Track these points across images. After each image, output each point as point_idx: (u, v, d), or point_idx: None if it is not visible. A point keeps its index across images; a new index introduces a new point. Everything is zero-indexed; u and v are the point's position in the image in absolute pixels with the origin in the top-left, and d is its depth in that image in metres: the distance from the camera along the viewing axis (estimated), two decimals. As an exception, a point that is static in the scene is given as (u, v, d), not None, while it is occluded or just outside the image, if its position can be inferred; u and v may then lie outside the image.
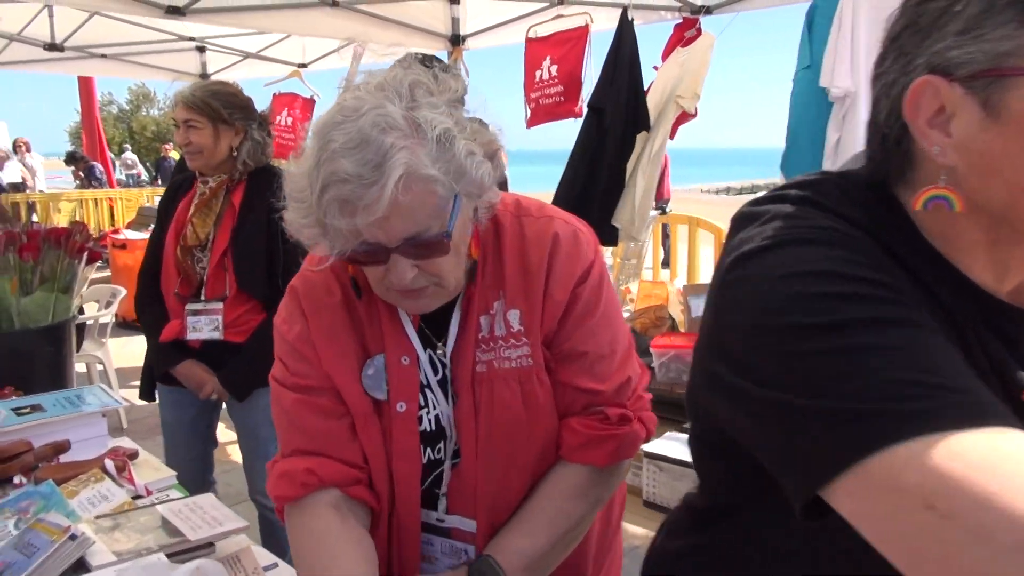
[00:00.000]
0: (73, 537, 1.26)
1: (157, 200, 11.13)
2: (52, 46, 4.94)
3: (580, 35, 3.92)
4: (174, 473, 1.83)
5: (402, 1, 4.13)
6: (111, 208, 10.97)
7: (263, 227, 2.34)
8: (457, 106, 1.01)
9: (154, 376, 2.56)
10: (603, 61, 3.72)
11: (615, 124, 3.65)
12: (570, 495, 1.13)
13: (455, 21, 4.25)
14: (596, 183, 3.74)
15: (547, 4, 4.07)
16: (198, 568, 1.02)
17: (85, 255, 2.34)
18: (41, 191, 12.76)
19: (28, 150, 13.43)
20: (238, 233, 2.38)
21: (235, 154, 2.41)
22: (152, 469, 1.84)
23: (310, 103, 5.69)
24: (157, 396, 2.61)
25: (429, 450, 1.13)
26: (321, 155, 0.92)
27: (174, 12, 3.55)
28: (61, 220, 9.49)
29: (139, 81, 31.18)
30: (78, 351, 4.39)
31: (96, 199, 11.04)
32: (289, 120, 5.65)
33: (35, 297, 2.24)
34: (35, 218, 9.78)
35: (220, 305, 2.38)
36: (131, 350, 6.08)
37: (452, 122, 0.96)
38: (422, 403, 1.12)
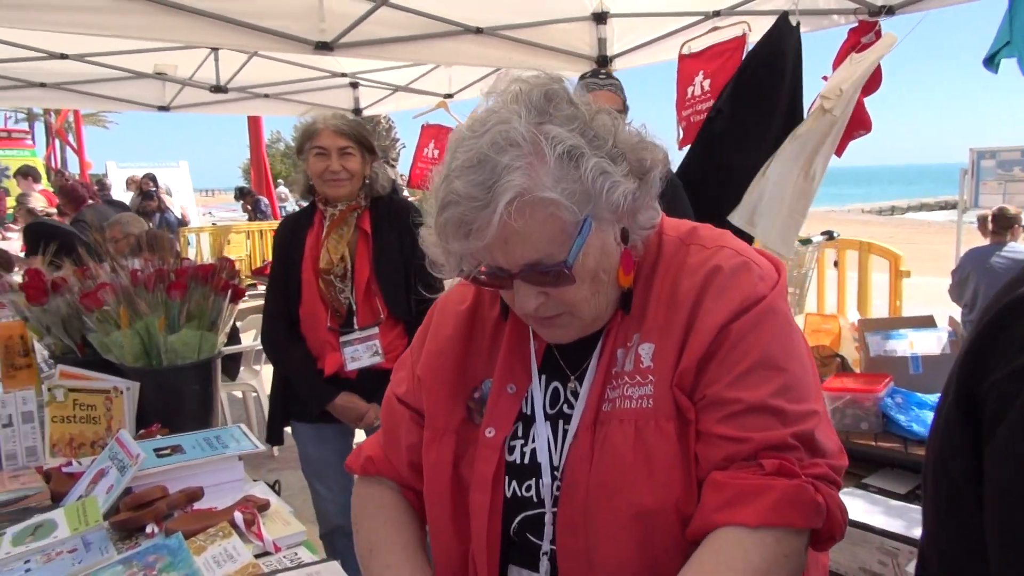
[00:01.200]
0: (186, 612, 1.14)
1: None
2: (217, 88, 5.24)
3: (736, 46, 3.67)
4: (303, 529, 1.72)
5: (545, 25, 4.01)
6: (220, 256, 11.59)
7: (397, 251, 2.41)
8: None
9: (290, 416, 2.53)
10: (748, 66, 3.39)
11: (756, 134, 3.31)
12: (715, 571, 0.86)
13: (602, 42, 4.08)
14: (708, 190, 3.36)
15: (701, 17, 3.82)
16: None
17: (230, 292, 2.34)
18: (214, 223, 13.79)
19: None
20: (378, 258, 2.40)
21: (367, 181, 2.46)
22: (282, 523, 1.74)
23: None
24: (293, 436, 2.58)
25: (515, 483, 1.03)
26: (445, 172, 0.90)
27: (323, 47, 3.62)
28: (232, 251, 10.14)
29: (304, 119, 33.49)
30: (234, 379, 4.55)
31: (261, 230, 11.77)
32: (436, 152, 5.72)
33: (182, 334, 2.25)
34: (191, 252, 10.48)
35: (376, 330, 2.39)
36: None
37: (584, 139, 0.89)
38: (518, 434, 1.04)
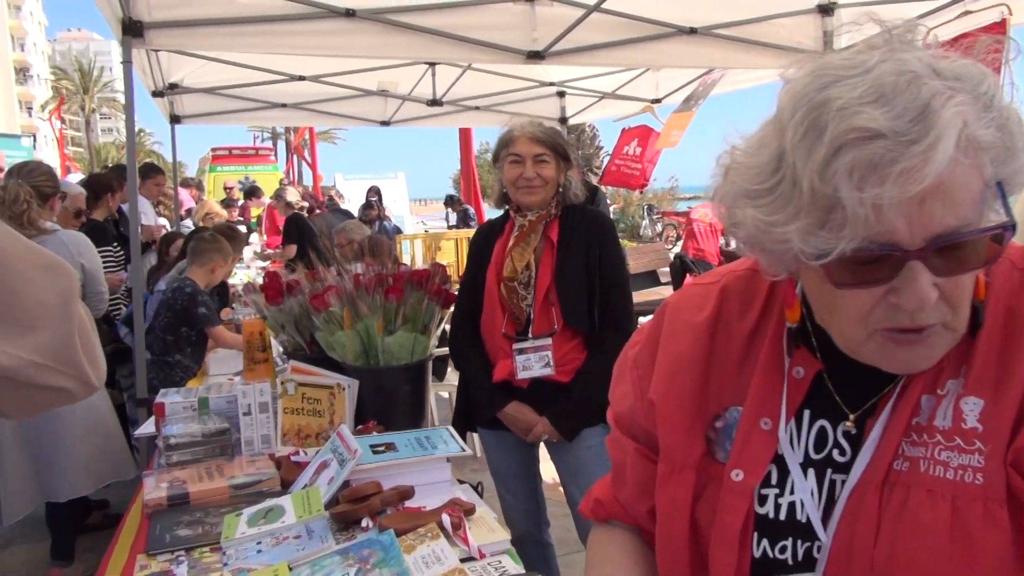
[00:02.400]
0: (397, 615, 1.15)
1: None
2: (433, 102, 5.51)
3: (995, 34, 3.16)
4: (508, 537, 1.70)
5: (764, 21, 3.77)
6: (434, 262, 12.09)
7: (583, 262, 2.34)
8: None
9: (473, 420, 2.56)
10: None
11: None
12: None
13: (828, 35, 3.76)
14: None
15: (948, 0, 3.38)
16: None
17: (442, 297, 2.41)
18: (426, 231, 14.62)
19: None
20: (560, 268, 2.35)
21: (560, 190, 2.42)
22: (487, 529, 1.74)
23: (659, 135, 5.62)
24: (477, 440, 2.61)
25: (766, 542, 0.83)
26: (819, 115, 0.67)
27: (535, 57, 3.66)
28: (442, 257, 10.67)
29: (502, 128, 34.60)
30: (442, 380, 4.73)
31: (469, 238, 12.29)
32: (638, 151, 5.62)
33: (397, 337, 2.34)
34: (406, 258, 11.13)
35: (549, 341, 2.34)
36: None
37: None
38: (772, 480, 0.84)
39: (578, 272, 2.33)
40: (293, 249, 6.70)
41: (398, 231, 11.95)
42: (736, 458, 0.85)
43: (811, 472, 0.82)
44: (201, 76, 5.17)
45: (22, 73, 60.46)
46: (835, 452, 0.82)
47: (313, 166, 19.60)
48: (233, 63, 4.75)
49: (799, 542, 0.82)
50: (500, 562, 1.61)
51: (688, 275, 6.94)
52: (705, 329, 0.91)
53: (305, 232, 6.58)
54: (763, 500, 0.84)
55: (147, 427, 2.57)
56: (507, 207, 2.50)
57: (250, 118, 6.36)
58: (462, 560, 1.56)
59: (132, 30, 2.98)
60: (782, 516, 0.83)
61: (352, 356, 2.37)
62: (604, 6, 3.38)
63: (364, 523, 1.73)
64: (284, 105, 5.96)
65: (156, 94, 5.14)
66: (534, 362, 2.33)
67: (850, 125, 0.64)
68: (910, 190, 0.63)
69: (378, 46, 3.39)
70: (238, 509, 1.83)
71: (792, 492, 0.83)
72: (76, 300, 0.94)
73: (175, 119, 5.84)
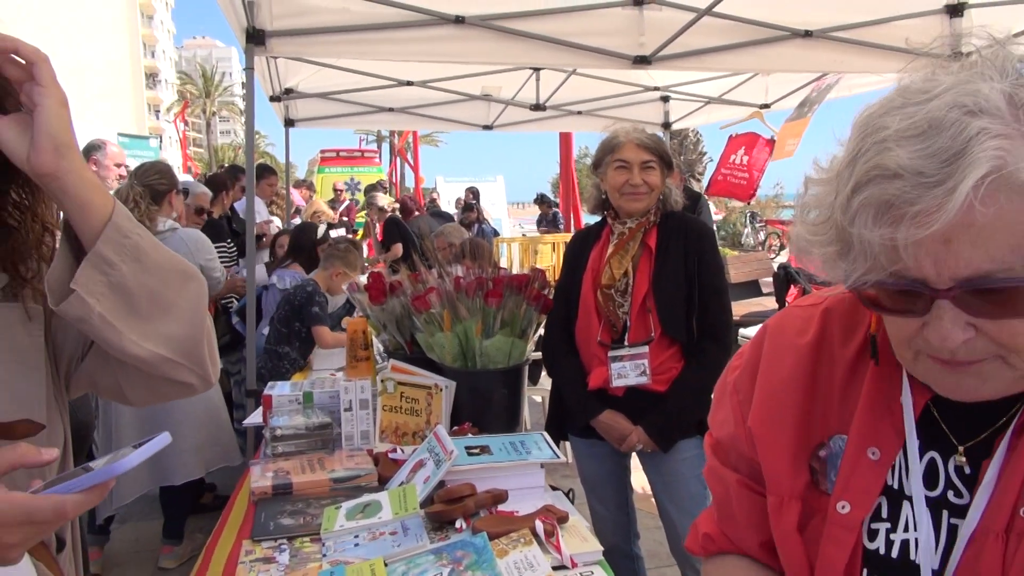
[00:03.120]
0: (489, 620, 1.15)
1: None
2: (536, 106, 5.53)
3: None
4: (600, 548, 1.68)
5: (886, 23, 3.59)
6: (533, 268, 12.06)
7: (681, 270, 2.30)
8: None
9: (566, 428, 2.53)
10: None
11: None
12: None
13: (955, 38, 3.53)
14: None
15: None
16: None
17: (541, 303, 2.41)
18: (523, 235, 14.69)
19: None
20: (659, 275, 2.31)
21: (661, 197, 2.40)
22: (580, 539, 1.72)
23: (770, 143, 5.41)
24: (571, 449, 2.58)
25: None
26: (862, 146, 0.67)
27: (641, 62, 3.60)
28: (539, 261, 10.70)
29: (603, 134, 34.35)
30: (535, 384, 4.74)
31: (566, 242, 12.25)
32: (745, 159, 5.44)
33: (495, 340, 2.36)
34: (504, 262, 11.21)
35: (645, 349, 2.30)
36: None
37: None
38: (882, 514, 0.79)
39: (676, 280, 2.30)
40: (399, 248, 6.88)
41: (496, 234, 12.07)
42: (842, 489, 0.81)
43: (925, 511, 0.77)
44: (314, 82, 5.37)
45: (151, 78, 64.70)
46: (950, 493, 0.77)
47: (415, 168, 20.05)
48: (345, 69, 4.92)
49: None
50: (592, 573, 1.59)
51: (792, 286, 6.67)
52: (807, 353, 0.87)
53: (405, 233, 6.74)
54: (873, 535, 0.79)
55: (255, 417, 2.69)
56: (604, 213, 2.48)
57: (358, 122, 6.56)
58: (554, 568, 1.55)
59: (255, 38, 3.14)
60: (894, 554, 0.78)
61: (450, 358, 2.41)
62: (716, 9, 3.30)
63: (458, 524, 1.75)
64: (391, 109, 6.11)
65: (273, 99, 5.38)
66: (629, 370, 2.30)
67: (875, 163, 0.65)
68: (920, 233, 0.62)
69: (486, 52, 3.43)
70: (337, 502, 1.89)
71: (906, 530, 0.78)
72: (205, 304, 1.02)
73: (289, 122, 6.10)
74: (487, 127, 6.48)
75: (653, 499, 2.52)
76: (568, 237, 12.24)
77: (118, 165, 4.71)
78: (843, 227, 0.68)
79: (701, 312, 2.30)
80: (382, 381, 2.40)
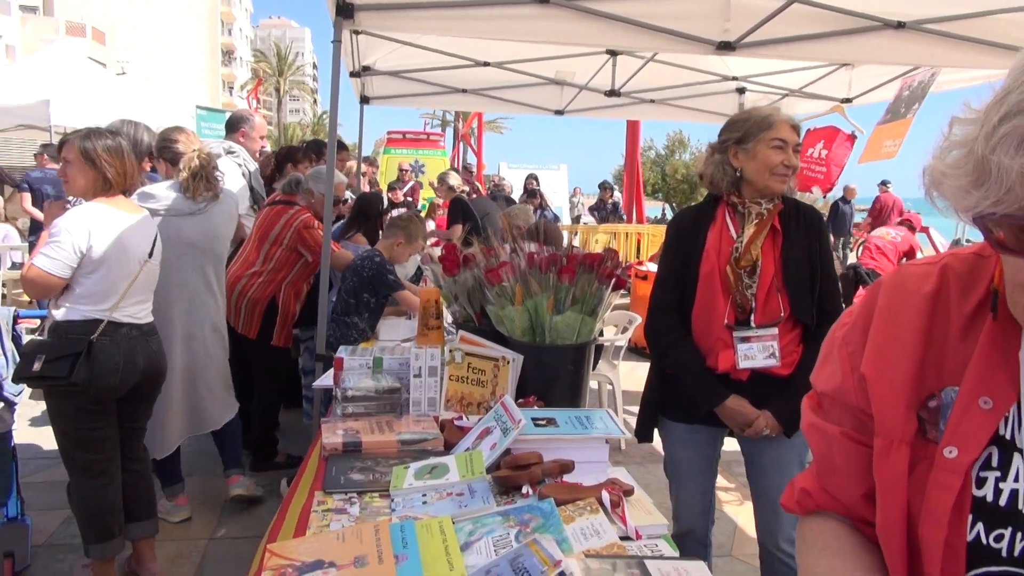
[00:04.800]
0: (562, 575, 1.18)
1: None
2: (612, 92, 5.49)
3: None
4: (666, 522, 1.69)
5: (983, 16, 3.45)
6: (638, 242, 12.01)
7: (805, 253, 2.31)
8: None
9: (664, 414, 2.51)
10: None
11: None
12: None
13: (1057, 34, 3.40)
14: None
15: None
16: None
17: (612, 281, 2.41)
18: (585, 223, 14.64)
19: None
20: (786, 256, 2.30)
21: None
22: (644, 511, 1.73)
23: (851, 139, 5.25)
24: (661, 434, 2.55)
25: (981, 526, 0.78)
26: (1015, 83, 0.67)
27: (725, 47, 3.54)
28: (596, 249, 10.67)
29: (676, 128, 33.93)
30: (594, 369, 4.74)
31: (627, 232, 12.19)
32: (824, 153, 5.29)
33: (565, 316, 2.37)
34: (576, 242, 11.19)
35: (775, 330, 2.28)
36: (638, 375, 6.39)
37: None
38: (992, 463, 0.79)
39: (801, 263, 2.30)
40: (458, 229, 6.95)
41: (556, 220, 12.05)
42: (951, 435, 0.81)
43: None
44: (392, 60, 5.44)
45: (227, 55, 66.43)
46: None
47: (478, 154, 20.14)
48: (423, 47, 4.96)
49: (1019, 534, 0.77)
50: (656, 545, 1.60)
51: (861, 287, 6.51)
52: (925, 302, 0.88)
53: (469, 214, 6.79)
54: (981, 482, 0.80)
55: (325, 379, 2.77)
56: (718, 194, 2.42)
57: (432, 101, 6.63)
58: (619, 538, 1.57)
59: (344, 11, 3.20)
60: (1002, 502, 0.78)
61: (519, 331, 2.43)
62: (806, -4, 3.23)
63: (524, 490, 1.77)
64: (464, 91, 6.15)
65: (353, 74, 5.47)
66: (757, 352, 2.27)
67: None
68: None
69: (568, 32, 3.42)
70: (405, 462, 1.94)
71: (1016, 479, 0.78)
72: None
73: (364, 99, 6.19)
74: (559, 112, 6.46)
75: (731, 487, 2.51)
76: (635, 228, 12.12)
77: (262, 137, 4.97)
78: (983, 156, 0.67)
79: (820, 296, 2.30)
80: (450, 351, 2.43)
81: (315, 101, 78.84)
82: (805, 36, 3.46)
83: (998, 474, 0.79)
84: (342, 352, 2.56)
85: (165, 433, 3.52)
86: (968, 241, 7.59)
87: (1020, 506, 0.77)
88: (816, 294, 2.30)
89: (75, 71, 9.05)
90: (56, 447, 2.87)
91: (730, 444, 2.51)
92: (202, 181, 3.45)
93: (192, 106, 11.11)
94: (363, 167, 8.23)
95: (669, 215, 28.02)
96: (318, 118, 66.72)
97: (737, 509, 3.94)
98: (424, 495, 1.77)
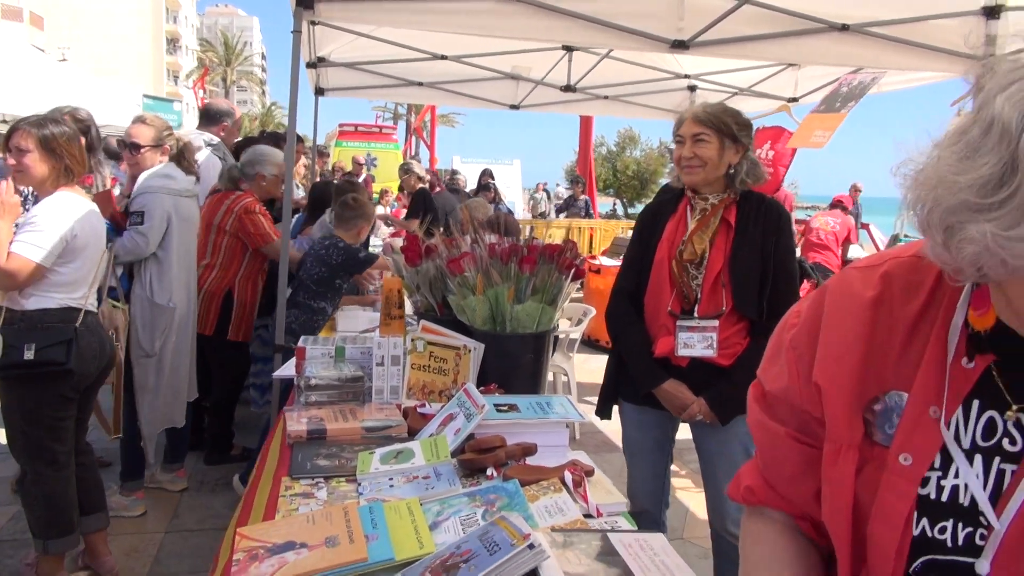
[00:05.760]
0: (531, 547, 1.23)
1: (630, 232, 12.03)
2: (568, 88, 5.57)
3: None
4: (625, 500, 1.77)
5: (923, 21, 3.61)
6: (591, 236, 12.18)
7: (757, 249, 2.34)
8: None
9: (619, 394, 2.60)
10: None
11: None
12: None
13: (990, 39, 3.56)
14: None
15: None
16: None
17: (572, 271, 2.48)
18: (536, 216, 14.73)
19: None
20: (736, 252, 2.35)
21: (732, 171, 2.40)
22: (604, 491, 1.80)
23: (791, 134, 5.45)
24: (618, 415, 2.64)
25: (926, 522, 0.85)
26: None
27: (679, 46, 3.64)
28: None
29: (627, 125, 34.29)
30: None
31: (580, 228, 12.33)
32: (770, 154, 5.46)
33: (526, 306, 2.43)
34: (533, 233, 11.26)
35: (715, 322, 2.35)
36: (591, 367, 6.51)
37: None
38: (936, 464, 0.85)
39: (752, 258, 2.34)
40: (416, 223, 6.95)
41: (510, 213, 12.09)
42: (903, 443, 0.86)
43: (978, 459, 0.83)
44: (347, 51, 5.41)
45: (172, 44, 64.68)
46: (1006, 442, 0.82)
47: (431, 148, 20.06)
48: (380, 39, 4.96)
49: (960, 525, 0.83)
50: (617, 522, 1.67)
51: (806, 280, 6.72)
52: (869, 309, 0.92)
53: (431, 207, 6.80)
54: (925, 481, 0.86)
55: (286, 369, 2.78)
56: (682, 187, 2.51)
57: (388, 94, 6.61)
58: (583, 516, 1.63)
59: (304, 1, 3.20)
60: (944, 498, 0.84)
61: (480, 321, 2.48)
62: (757, -1, 3.34)
63: (489, 472, 1.82)
64: (420, 83, 6.16)
65: (309, 65, 5.43)
66: (696, 341, 2.35)
67: None
68: None
69: (527, 28, 3.47)
70: (370, 448, 1.97)
71: (956, 476, 0.84)
72: None
73: (319, 91, 6.15)
74: (514, 106, 6.52)
75: (682, 473, 2.60)
76: (589, 223, 12.23)
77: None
78: (1003, 158, 0.69)
79: (772, 292, 2.34)
80: (412, 340, 2.47)
81: (264, 92, 77.34)
82: (755, 36, 3.58)
83: (939, 473, 0.85)
84: (304, 342, 2.58)
85: (179, 403, 3.70)
86: (907, 236, 7.87)
87: (960, 500, 0.83)
88: (767, 290, 2.34)
89: (13, 58, 8.76)
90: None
91: (685, 432, 2.61)
92: (185, 163, 3.53)
93: (138, 95, 10.85)
94: (303, 160, 8.16)
95: (620, 211, 28.33)
96: (267, 109, 65.49)
97: (689, 495, 4.06)
98: (391, 479, 1.81)
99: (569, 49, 5.10)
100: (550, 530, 1.46)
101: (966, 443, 0.84)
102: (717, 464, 2.48)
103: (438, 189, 8.63)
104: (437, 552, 1.37)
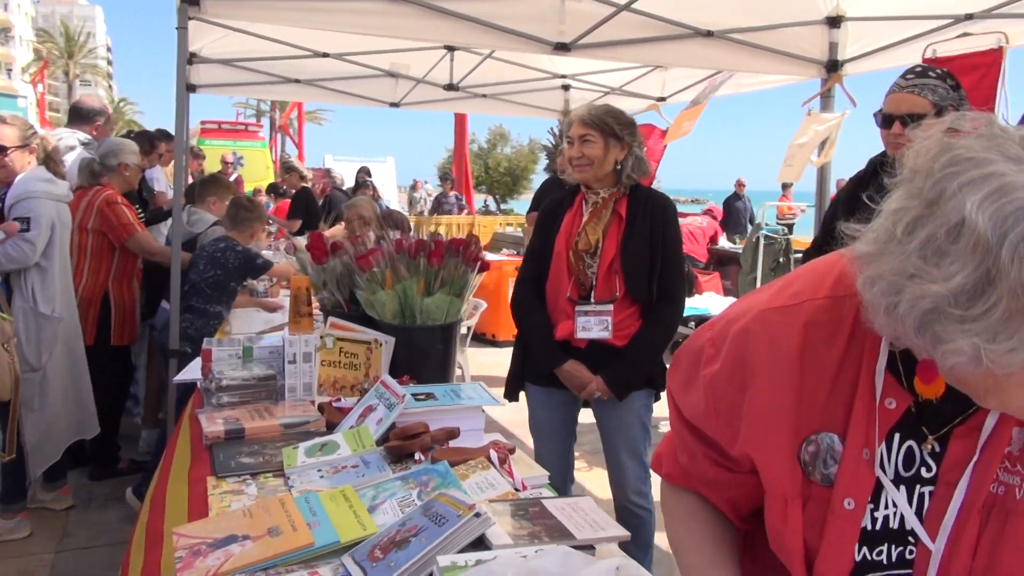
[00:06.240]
0: (478, 515, 1.33)
1: (508, 228, 12.25)
2: (450, 87, 5.66)
3: (992, 62, 3.26)
4: (547, 473, 1.90)
5: (777, 28, 3.98)
6: (470, 233, 12.34)
7: (647, 238, 2.55)
8: None
9: (525, 377, 2.75)
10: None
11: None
12: None
13: (833, 46, 3.99)
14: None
15: (950, 20, 3.61)
16: (619, 569, 0.99)
17: (478, 264, 2.59)
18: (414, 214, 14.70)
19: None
20: (627, 241, 2.56)
21: (619, 167, 2.60)
22: (526, 466, 1.93)
23: (665, 133, 5.82)
24: (525, 397, 2.79)
25: (866, 549, 0.94)
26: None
27: (561, 48, 3.83)
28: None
29: (497, 122, 34.68)
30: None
31: (459, 224, 12.47)
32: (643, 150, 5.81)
33: (435, 298, 2.52)
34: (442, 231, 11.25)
35: (610, 307, 2.55)
36: (480, 360, 6.66)
37: None
38: (870, 498, 0.94)
39: (641, 247, 2.55)
40: (297, 224, 6.81)
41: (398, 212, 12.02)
42: (846, 488, 0.93)
43: (902, 487, 0.92)
44: (219, 47, 5.25)
45: (3, 34, 59.29)
46: (923, 469, 0.91)
47: (299, 145, 19.55)
48: (258, 35, 4.85)
49: (892, 546, 0.93)
50: (541, 493, 1.80)
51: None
52: (797, 362, 0.94)
53: (311, 208, 6.70)
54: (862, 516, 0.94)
55: (188, 373, 2.73)
56: (577, 184, 2.71)
57: (263, 91, 6.45)
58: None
59: (189, -2, 3.13)
60: (878, 527, 0.93)
61: (390, 314, 2.54)
62: (634, 6, 3.57)
63: (417, 457, 1.90)
64: (298, 81, 6.06)
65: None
66: (594, 324, 2.54)
67: None
68: None
69: (413, 28, 3.54)
70: (293, 444, 1.99)
71: (887, 507, 0.92)
72: None
73: (191, 88, 5.91)
74: (394, 104, 6.53)
75: (577, 454, 2.78)
76: (468, 219, 12.29)
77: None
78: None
79: (661, 277, 2.57)
80: (321, 337, 2.50)
81: (111, 87, 72.28)
82: (631, 40, 3.82)
83: (872, 506, 0.93)
84: (208, 343, 2.55)
85: (88, 414, 3.58)
86: (767, 225, 8.49)
87: (891, 525, 0.93)
88: (656, 275, 2.58)
89: None
90: None
91: (583, 416, 2.80)
92: (53, 166, 3.37)
93: (-27, 90, 9.94)
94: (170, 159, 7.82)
95: (493, 207, 28.66)
96: (115, 104, 61.24)
97: (585, 475, 4.28)
98: (319, 470, 1.84)
99: (451, 49, 5.19)
100: (487, 502, 1.57)
101: (890, 473, 0.92)
102: (617, 439, 2.68)
103: (331, 189, 8.47)
104: (381, 531, 1.44)
